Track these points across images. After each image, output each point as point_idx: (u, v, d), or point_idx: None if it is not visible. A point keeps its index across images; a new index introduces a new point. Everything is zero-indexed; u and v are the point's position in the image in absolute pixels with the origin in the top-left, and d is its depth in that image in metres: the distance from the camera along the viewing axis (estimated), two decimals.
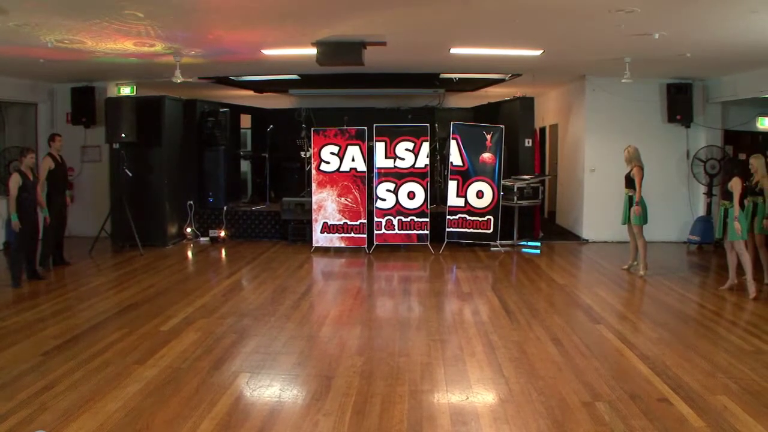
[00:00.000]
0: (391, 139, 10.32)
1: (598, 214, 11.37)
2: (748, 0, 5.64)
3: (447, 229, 10.53)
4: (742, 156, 10.70)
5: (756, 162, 7.80)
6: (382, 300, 7.62)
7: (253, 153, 13.84)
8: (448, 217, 10.52)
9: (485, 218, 10.48)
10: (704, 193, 11.06)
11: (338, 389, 4.59)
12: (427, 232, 10.37)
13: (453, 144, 10.51)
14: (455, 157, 10.50)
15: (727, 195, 7.49)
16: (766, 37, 7.04)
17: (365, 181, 10.34)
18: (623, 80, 9.00)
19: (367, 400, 4.39)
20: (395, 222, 10.37)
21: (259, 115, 14.26)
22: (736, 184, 7.35)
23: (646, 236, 8.70)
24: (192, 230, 11.49)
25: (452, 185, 10.51)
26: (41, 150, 10.03)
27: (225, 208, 11.63)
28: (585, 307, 6.98)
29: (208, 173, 11.73)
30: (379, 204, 10.37)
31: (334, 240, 10.44)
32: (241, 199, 13.15)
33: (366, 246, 10.36)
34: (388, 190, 10.35)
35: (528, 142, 11.42)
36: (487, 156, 10.46)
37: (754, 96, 10.04)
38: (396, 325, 6.28)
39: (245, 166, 13.99)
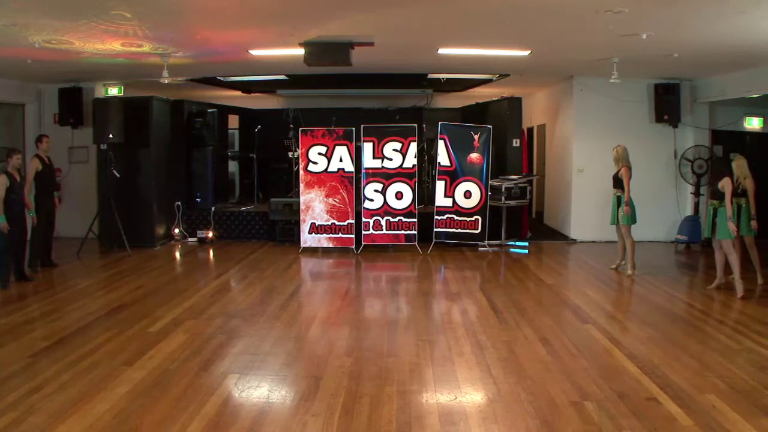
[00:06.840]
0: (379, 139, 10.32)
1: (586, 214, 11.41)
2: (736, 0, 5.69)
3: (435, 230, 10.54)
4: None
5: (737, 163, 7.88)
6: (370, 300, 7.61)
7: (241, 153, 13.81)
8: (435, 217, 10.53)
9: (473, 218, 10.49)
10: (692, 193, 11.13)
11: (327, 390, 4.59)
12: (415, 232, 10.36)
13: (441, 144, 10.52)
14: (443, 158, 10.52)
15: (717, 194, 7.53)
16: (754, 38, 7.09)
17: (353, 182, 10.33)
18: (611, 80, 9.05)
19: (355, 401, 4.39)
20: (383, 222, 10.37)
21: (247, 116, 14.23)
22: (727, 184, 7.38)
23: (634, 236, 8.75)
24: (180, 231, 11.43)
25: (440, 185, 10.52)
26: (29, 151, 9.96)
27: (213, 208, 11.58)
28: (573, 307, 7.01)
29: (196, 174, 11.68)
30: (367, 204, 10.36)
31: (322, 240, 10.43)
32: (229, 199, 13.12)
33: (354, 246, 10.35)
34: (375, 191, 10.35)
35: (516, 142, 11.43)
36: (474, 156, 10.49)
37: (741, 96, 10.11)
38: (384, 326, 6.28)
39: (233, 166, 13.96)
